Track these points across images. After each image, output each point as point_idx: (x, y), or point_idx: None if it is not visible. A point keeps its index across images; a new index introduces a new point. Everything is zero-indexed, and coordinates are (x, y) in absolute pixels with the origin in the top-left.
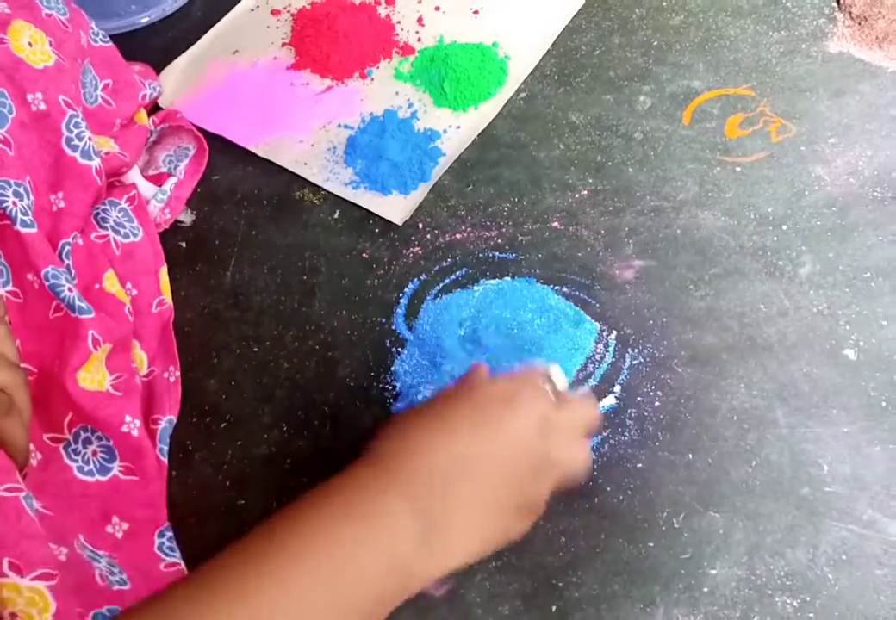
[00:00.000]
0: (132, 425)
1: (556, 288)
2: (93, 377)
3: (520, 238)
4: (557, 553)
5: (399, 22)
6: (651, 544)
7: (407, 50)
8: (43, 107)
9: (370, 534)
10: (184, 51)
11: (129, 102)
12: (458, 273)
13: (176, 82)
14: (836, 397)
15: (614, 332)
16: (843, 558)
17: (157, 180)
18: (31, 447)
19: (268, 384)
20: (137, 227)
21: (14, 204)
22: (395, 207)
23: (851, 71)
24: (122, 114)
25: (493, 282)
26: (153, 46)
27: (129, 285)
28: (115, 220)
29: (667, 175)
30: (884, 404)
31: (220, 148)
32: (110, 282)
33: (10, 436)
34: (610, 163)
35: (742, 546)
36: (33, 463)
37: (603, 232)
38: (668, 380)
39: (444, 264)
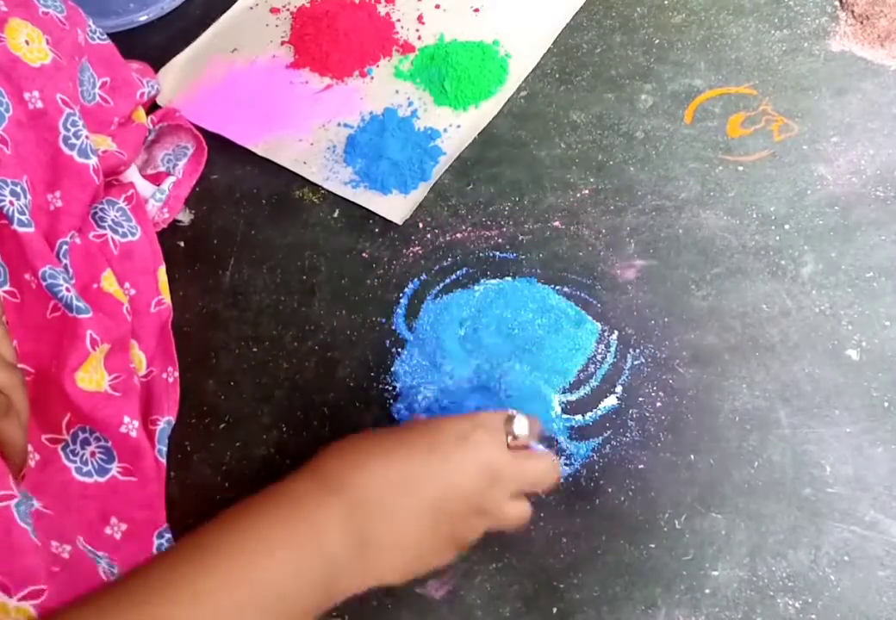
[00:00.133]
0: (131, 426)
1: (557, 287)
2: (91, 377)
3: (520, 237)
4: (558, 554)
5: (399, 20)
6: (652, 545)
7: (407, 48)
8: (40, 105)
9: (299, 548)
10: (182, 49)
11: (127, 101)
12: (458, 272)
13: (174, 80)
14: (839, 398)
15: (616, 332)
16: (846, 559)
17: (156, 179)
18: (29, 448)
19: (267, 384)
20: (135, 227)
21: (11, 203)
22: (395, 206)
23: (854, 69)
24: (120, 113)
25: (493, 281)
26: (151, 44)
27: (127, 285)
28: (113, 220)
29: (668, 174)
30: (886, 405)
31: (218, 147)
32: (108, 282)
33: (8, 437)
34: (611, 163)
35: (744, 548)
36: (31, 464)
37: (604, 231)
38: (670, 381)
39: (445, 264)
